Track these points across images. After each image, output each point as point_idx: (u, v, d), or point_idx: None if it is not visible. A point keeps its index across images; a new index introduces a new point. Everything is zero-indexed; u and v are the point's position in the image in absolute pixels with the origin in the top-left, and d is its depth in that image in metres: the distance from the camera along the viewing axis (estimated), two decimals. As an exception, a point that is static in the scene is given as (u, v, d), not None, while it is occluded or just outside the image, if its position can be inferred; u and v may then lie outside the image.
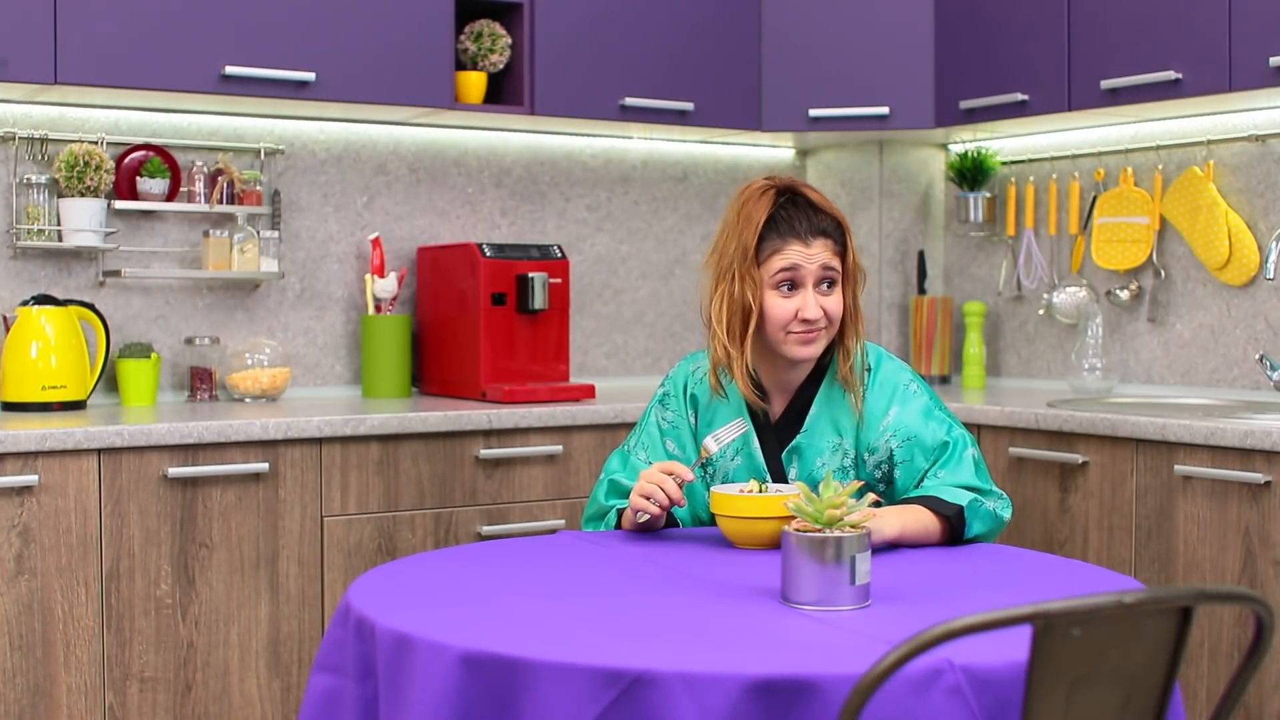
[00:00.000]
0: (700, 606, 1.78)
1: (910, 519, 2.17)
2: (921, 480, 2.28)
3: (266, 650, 3.03)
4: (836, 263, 2.26)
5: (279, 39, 3.31)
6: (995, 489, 2.29)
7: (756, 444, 2.33)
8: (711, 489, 2.18)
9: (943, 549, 2.16)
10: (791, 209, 2.26)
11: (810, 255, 2.25)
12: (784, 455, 2.32)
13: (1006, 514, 2.27)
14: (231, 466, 2.98)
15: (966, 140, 4.15)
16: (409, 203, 3.85)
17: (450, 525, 3.24)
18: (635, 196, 4.18)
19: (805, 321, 2.25)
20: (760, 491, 2.14)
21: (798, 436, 2.32)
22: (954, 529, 2.19)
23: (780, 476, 2.31)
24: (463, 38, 3.63)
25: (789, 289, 2.26)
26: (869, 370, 2.34)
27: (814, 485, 2.27)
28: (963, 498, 2.21)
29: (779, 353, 2.29)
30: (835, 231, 2.27)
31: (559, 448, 3.34)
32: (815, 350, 2.28)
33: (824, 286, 2.26)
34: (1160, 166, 3.73)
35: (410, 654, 1.61)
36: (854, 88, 3.91)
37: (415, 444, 3.19)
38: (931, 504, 2.20)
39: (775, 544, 2.04)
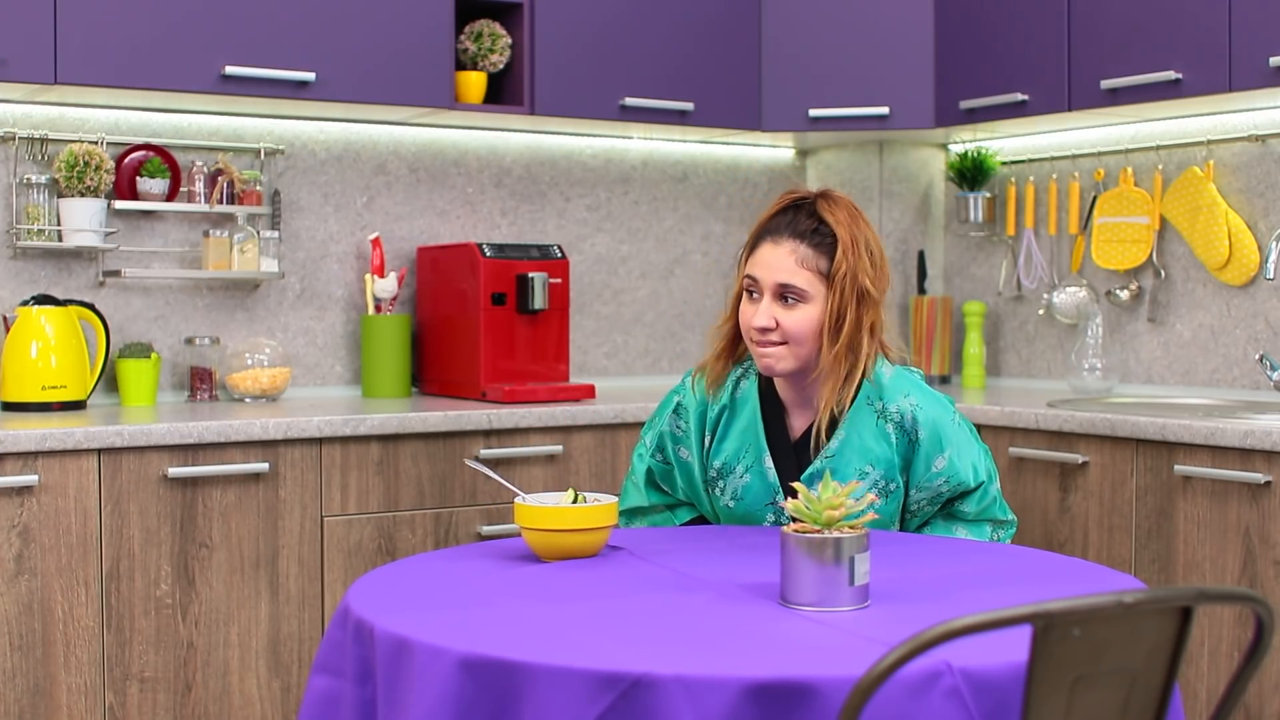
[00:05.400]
0: (699, 608, 1.77)
1: None
2: (945, 505, 2.32)
3: (266, 650, 3.03)
4: (803, 277, 2.17)
5: (279, 39, 3.31)
6: (1010, 516, 2.37)
7: (769, 463, 2.26)
8: (516, 500, 2.07)
9: (942, 548, 2.16)
10: (789, 210, 2.23)
11: (772, 262, 2.18)
12: (805, 479, 2.23)
13: (1006, 539, 2.37)
14: (231, 466, 2.98)
15: (966, 140, 4.14)
16: (409, 203, 3.85)
17: (450, 525, 3.23)
18: (635, 196, 4.18)
19: (756, 329, 2.20)
20: (576, 502, 2.05)
21: (819, 461, 2.24)
22: None
23: None
24: (463, 38, 3.63)
25: (754, 295, 2.23)
26: (917, 405, 2.23)
27: None
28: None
29: None
30: (815, 238, 2.18)
31: (559, 448, 3.33)
32: (774, 364, 2.20)
33: (786, 300, 2.19)
34: (1160, 166, 3.73)
35: (409, 657, 1.61)
36: (854, 88, 3.91)
37: (415, 444, 3.19)
38: None
39: (571, 554, 2.02)
